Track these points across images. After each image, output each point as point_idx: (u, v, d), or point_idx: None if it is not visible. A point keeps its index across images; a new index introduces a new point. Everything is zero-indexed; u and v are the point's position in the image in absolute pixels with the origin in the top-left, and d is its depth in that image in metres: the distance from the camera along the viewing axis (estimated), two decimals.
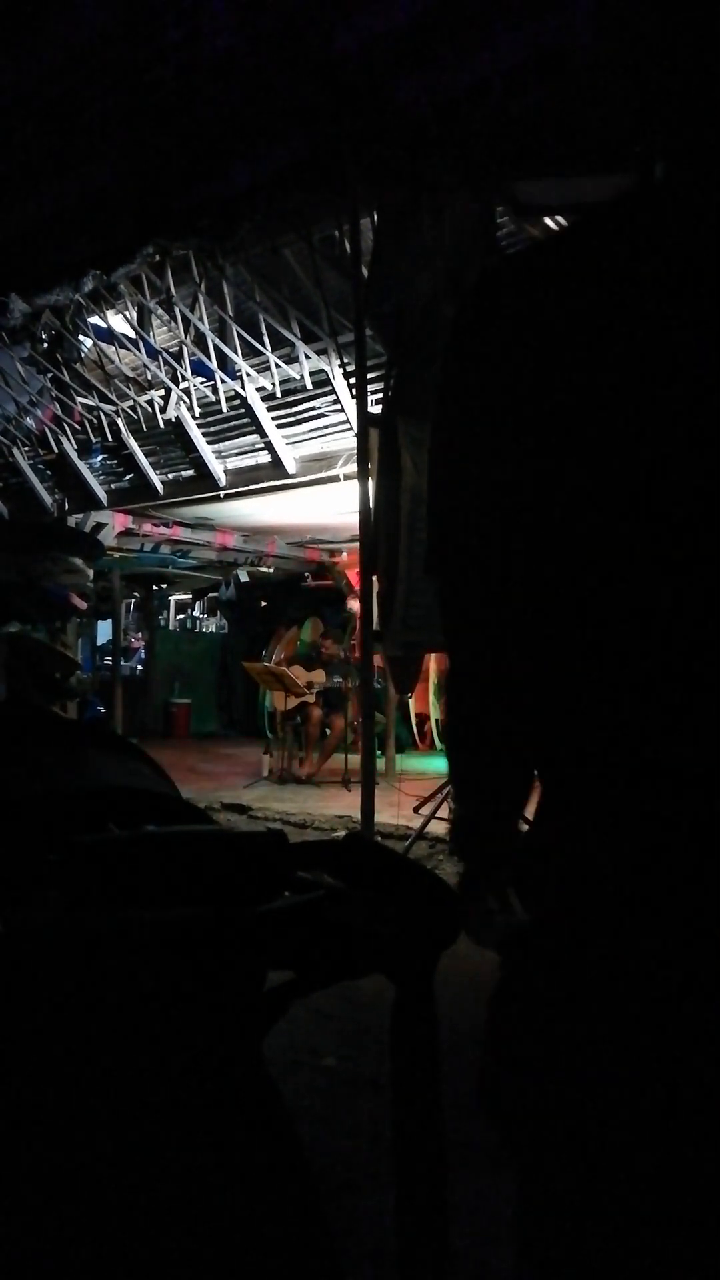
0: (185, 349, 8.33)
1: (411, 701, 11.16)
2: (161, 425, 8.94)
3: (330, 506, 8.83)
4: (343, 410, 7.62)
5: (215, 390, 8.39)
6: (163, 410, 8.81)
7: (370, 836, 5.16)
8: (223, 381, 8.27)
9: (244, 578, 13.29)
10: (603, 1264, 0.78)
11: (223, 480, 8.81)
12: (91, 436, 9.51)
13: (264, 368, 7.96)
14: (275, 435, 8.22)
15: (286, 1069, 2.87)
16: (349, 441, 7.25)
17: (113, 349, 8.73)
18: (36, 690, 8.66)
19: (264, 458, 8.46)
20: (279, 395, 8.04)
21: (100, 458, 9.80)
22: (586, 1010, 0.81)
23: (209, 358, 8.18)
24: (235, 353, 8.07)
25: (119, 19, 9.28)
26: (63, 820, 0.85)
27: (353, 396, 6.86)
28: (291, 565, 12.78)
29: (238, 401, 8.33)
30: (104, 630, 14.65)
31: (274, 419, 8.20)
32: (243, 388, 8.16)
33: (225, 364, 8.26)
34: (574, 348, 0.81)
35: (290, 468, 8.25)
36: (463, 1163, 2.45)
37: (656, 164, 0.86)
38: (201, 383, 8.54)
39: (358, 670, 9.06)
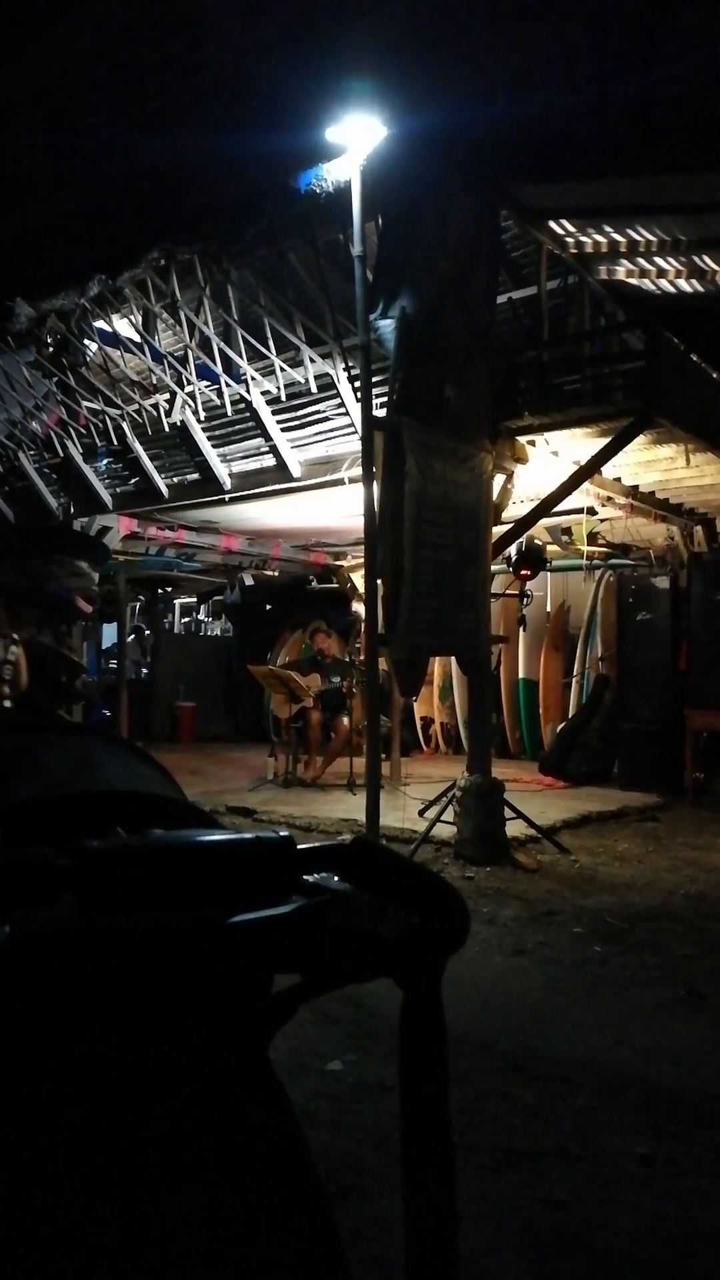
0: (190, 353, 8.34)
1: (416, 705, 11.16)
2: (166, 429, 8.96)
3: (335, 510, 8.84)
4: (347, 414, 7.62)
5: (220, 394, 8.40)
6: (168, 414, 8.83)
7: (375, 840, 5.15)
8: (227, 385, 8.28)
9: (249, 581, 13.31)
10: None
11: (227, 484, 8.82)
12: (97, 440, 9.53)
13: (269, 371, 7.97)
14: (280, 439, 8.23)
15: (294, 1072, 2.87)
16: (354, 445, 7.26)
17: (118, 353, 8.75)
18: (42, 693, 8.67)
19: (269, 461, 8.47)
20: (284, 399, 8.05)
21: (105, 461, 9.81)
22: None
23: (214, 361, 8.19)
24: (240, 356, 8.08)
25: (125, 25, 9.32)
26: (68, 824, 0.85)
27: (357, 400, 6.87)
28: (296, 569, 12.78)
29: (242, 405, 8.34)
30: (109, 633, 14.67)
31: (279, 422, 8.21)
32: (247, 391, 8.17)
33: (230, 368, 8.27)
34: None
35: (295, 471, 8.25)
36: (470, 1166, 2.46)
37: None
38: (206, 386, 8.56)
39: (356, 669, 9.09)
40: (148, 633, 14.99)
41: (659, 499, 8.76)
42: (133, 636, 14.41)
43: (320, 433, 8.04)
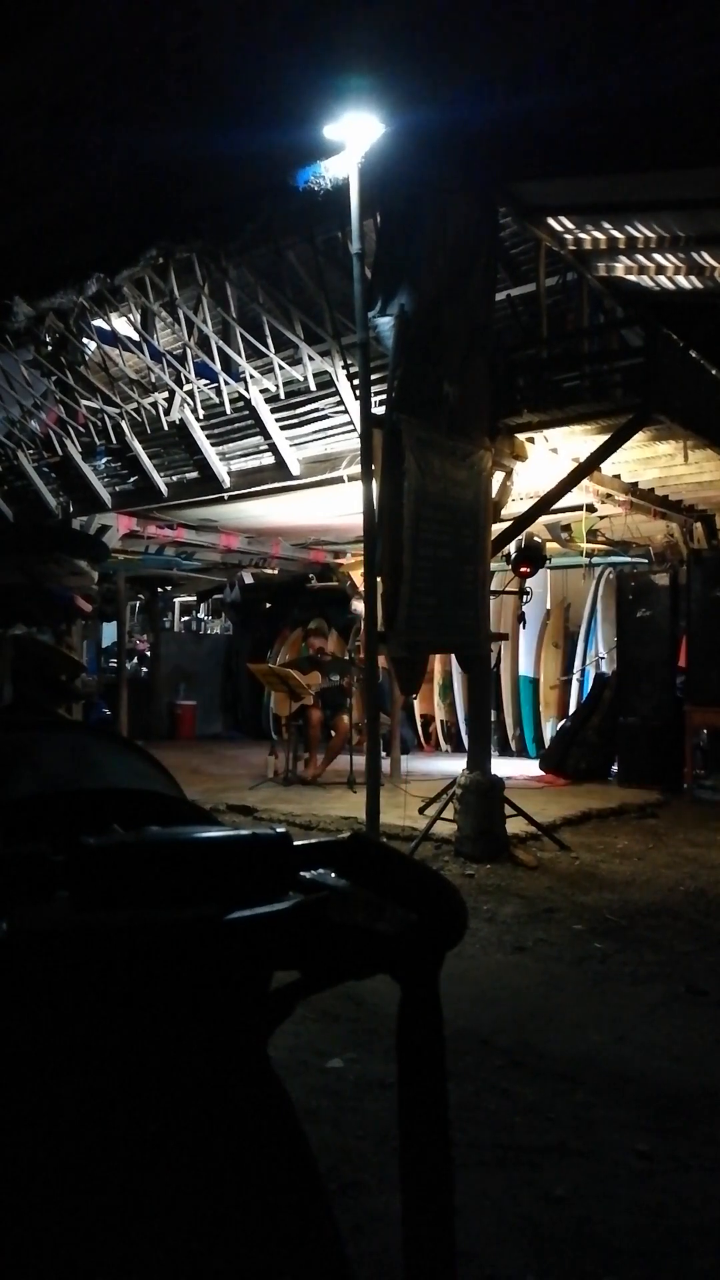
0: (189, 351, 8.34)
1: (416, 702, 11.17)
2: (165, 427, 8.95)
3: (334, 508, 8.83)
4: (346, 411, 7.61)
5: (219, 392, 8.39)
6: (166, 412, 8.82)
7: (375, 837, 5.15)
8: (226, 383, 8.28)
9: (248, 579, 13.30)
10: None
11: (227, 482, 8.82)
12: (95, 439, 9.53)
13: (267, 369, 7.97)
14: (279, 437, 8.22)
15: (294, 1070, 2.87)
16: (353, 443, 7.25)
17: (116, 351, 8.75)
18: (42, 692, 8.68)
19: (268, 459, 8.47)
20: (282, 397, 8.04)
21: (104, 460, 9.81)
22: None
23: (212, 360, 8.19)
24: (239, 354, 8.07)
25: (123, 19, 9.29)
26: (67, 821, 0.85)
27: (356, 397, 6.86)
28: (296, 567, 12.78)
29: (241, 403, 8.33)
30: (109, 632, 14.66)
31: (278, 420, 8.20)
32: (246, 389, 8.16)
33: (229, 366, 8.26)
34: None
35: (294, 469, 8.25)
36: (470, 1162, 2.46)
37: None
38: (205, 385, 8.55)
39: (356, 666, 9.09)
40: (146, 635, 14.98)
41: (658, 496, 8.76)
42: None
43: (319, 431, 8.03)
